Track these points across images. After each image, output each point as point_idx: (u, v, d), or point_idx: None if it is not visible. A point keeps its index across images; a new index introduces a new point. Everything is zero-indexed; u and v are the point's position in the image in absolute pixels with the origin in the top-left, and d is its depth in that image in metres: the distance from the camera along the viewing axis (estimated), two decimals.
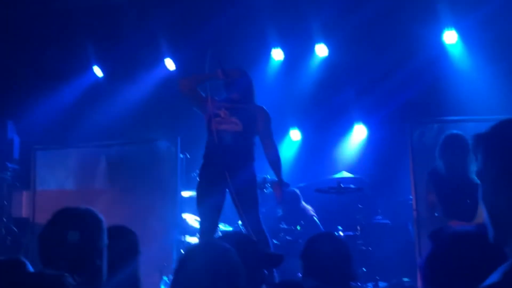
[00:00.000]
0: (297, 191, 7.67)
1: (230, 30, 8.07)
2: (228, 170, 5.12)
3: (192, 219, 7.32)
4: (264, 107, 5.50)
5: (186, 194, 7.41)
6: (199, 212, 5.44)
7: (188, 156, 7.58)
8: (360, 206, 7.19)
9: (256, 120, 5.35)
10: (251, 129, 5.34)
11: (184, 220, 7.32)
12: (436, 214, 5.71)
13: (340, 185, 6.52)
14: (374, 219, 7.73)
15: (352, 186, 6.77)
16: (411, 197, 6.77)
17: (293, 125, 9.02)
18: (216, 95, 5.66)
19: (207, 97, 5.41)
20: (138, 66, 8.98)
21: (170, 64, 9.02)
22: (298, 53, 8.59)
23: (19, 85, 9.02)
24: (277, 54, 8.68)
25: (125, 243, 3.22)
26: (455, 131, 5.77)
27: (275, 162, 5.39)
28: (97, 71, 9.37)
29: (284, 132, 8.86)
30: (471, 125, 6.43)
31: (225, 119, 5.27)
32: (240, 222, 5.81)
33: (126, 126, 8.81)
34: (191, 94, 5.46)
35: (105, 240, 2.83)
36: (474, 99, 7.37)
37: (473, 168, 1.99)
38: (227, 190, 5.30)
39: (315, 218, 7.51)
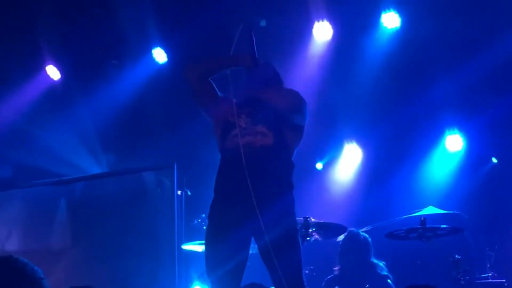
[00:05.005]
0: (369, 238, 6.61)
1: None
2: (259, 206, 4.39)
3: None
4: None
5: (187, 248, 6.70)
6: (211, 278, 4.67)
7: (189, 193, 6.87)
8: (457, 257, 6.22)
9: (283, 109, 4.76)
10: (284, 136, 4.70)
11: None
12: None
13: (426, 226, 5.86)
14: (481, 278, 6.97)
15: (444, 226, 6.04)
16: None
17: (348, 138, 8.10)
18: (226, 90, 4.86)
19: (225, 96, 4.74)
20: (111, 61, 8.11)
21: (159, 54, 8.21)
22: (354, 26, 7.56)
23: None
24: (322, 30, 7.72)
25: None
26: None
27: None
28: (52, 72, 8.47)
29: (334, 147, 8.19)
30: None
31: (248, 129, 4.66)
32: None
33: (94, 151, 7.98)
34: (201, 87, 4.77)
35: None
36: None
37: None
38: (252, 238, 4.63)
39: (390, 281, 6.45)
